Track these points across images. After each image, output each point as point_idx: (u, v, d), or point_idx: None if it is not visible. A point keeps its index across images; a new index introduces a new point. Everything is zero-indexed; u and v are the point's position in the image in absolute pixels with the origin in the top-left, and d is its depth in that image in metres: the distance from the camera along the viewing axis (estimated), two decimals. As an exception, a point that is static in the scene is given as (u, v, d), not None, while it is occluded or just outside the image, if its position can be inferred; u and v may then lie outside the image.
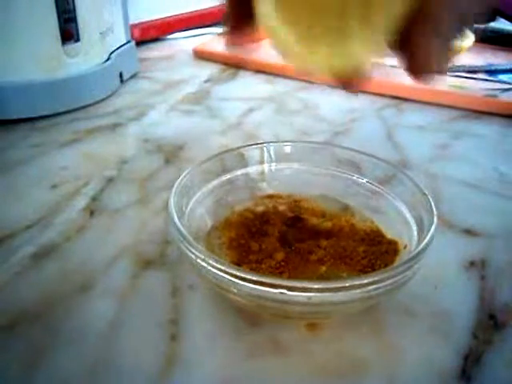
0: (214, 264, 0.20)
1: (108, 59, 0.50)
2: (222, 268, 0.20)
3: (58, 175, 0.35)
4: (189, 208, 0.26)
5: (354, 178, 0.29)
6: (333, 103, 0.50)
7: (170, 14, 0.73)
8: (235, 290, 0.20)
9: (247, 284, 0.19)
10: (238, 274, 0.20)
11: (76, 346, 0.21)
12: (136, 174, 0.35)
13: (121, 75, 0.53)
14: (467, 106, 0.48)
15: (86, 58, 0.47)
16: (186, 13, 0.76)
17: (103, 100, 0.49)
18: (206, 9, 0.79)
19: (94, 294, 0.24)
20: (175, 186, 0.25)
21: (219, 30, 0.79)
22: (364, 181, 0.29)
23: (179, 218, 0.23)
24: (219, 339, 0.22)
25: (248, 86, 0.55)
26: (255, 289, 0.19)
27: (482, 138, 0.42)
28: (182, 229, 0.22)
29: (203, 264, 0.21)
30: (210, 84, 0.55)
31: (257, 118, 0.46)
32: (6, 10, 0.40)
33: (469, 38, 0.61)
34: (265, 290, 0.19)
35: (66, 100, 0.46)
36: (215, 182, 0.28)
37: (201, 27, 0.78)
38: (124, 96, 0.51)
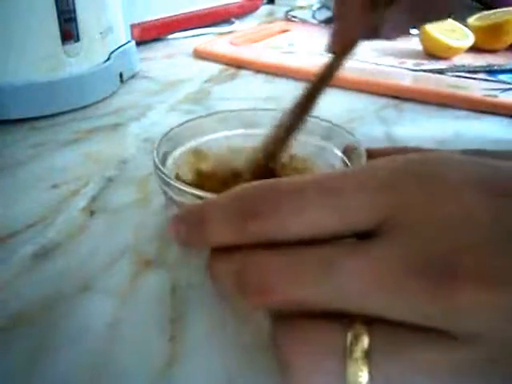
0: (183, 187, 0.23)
1: (108, 59, 0.50)
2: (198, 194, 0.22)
3: (57, 175, 0.35)
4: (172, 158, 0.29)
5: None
6: (333, 103, 0.50)
7: (169, 14, 0.73)
8: None
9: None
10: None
11: (76, 345, 0.21)
12: (136, 174, 0.35)
13: (121, 75, 0.53)
14: (467, 106, 0.48)
15: (86, 58, 0.47)
16: (186, 13, 0.76)
17: (103, 100, 0.49)
18: (206, 9, 0.79)
19: (94, 293, 0.24)
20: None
21: (219, 29, 0.79)
22: None
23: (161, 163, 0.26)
24: (219, 339, 0.22)
25: (248, 85, 0.55)
26: None
27: (482, 137, 0.42)
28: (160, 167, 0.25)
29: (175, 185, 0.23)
30: (210, 84, 0.55)
31: (257, 117, 0.46)
32: (6, 10, 0.40)
33: (469, 38, 0.61)
34: None
35: (66, 100, 0.46)
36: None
37: (201, 27, 0.78)
38: (124, 96, 0.51)
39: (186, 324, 0.22)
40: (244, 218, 0.16)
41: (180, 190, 0.23)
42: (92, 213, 0.31)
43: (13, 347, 0.21)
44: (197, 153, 0.31)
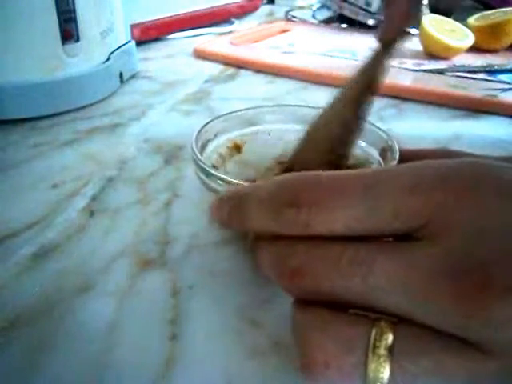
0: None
1: (108, 59, 0.50)
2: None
3: (58, 175, 0.35)
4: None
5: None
6: (333, 103, 0.50)
7: (170, 14, 0.73)
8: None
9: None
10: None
11: (76, 345, 0.21)
12: (136, 174, 0.35)
13: (121, 75, 0.53)
14: (467, 106, 0.48)
15: (86, 58, 0.47)
16: (186, 13, 0.76)
17: (103, 100, 0.49)
18: (206, 9, 0.79)
19: (94, 294, 0.24)
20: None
21: (219, 29, 0.79)
22: None
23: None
24: (219, 339, 0.22)
25: (248, 85, 0.55)
26: None
27: (482, 138, 0.42)
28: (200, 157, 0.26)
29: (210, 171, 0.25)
30: (210, 84, 0.55)
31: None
32: (6, 10, 0.40)
33: (469, 38, 0.61)
34: None
35: (66, 100, 0.46)
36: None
37: (201, 27, 0.78)
38: (124, 96, 0.51)
39: (185, 324, 0.22)
40: (282, 205, 0.17)
41: (219, 178, 0.24)
42: (92, 213, 0.31)
43: (13, 347, 0.21)
44: (234, 145, 0.32)
